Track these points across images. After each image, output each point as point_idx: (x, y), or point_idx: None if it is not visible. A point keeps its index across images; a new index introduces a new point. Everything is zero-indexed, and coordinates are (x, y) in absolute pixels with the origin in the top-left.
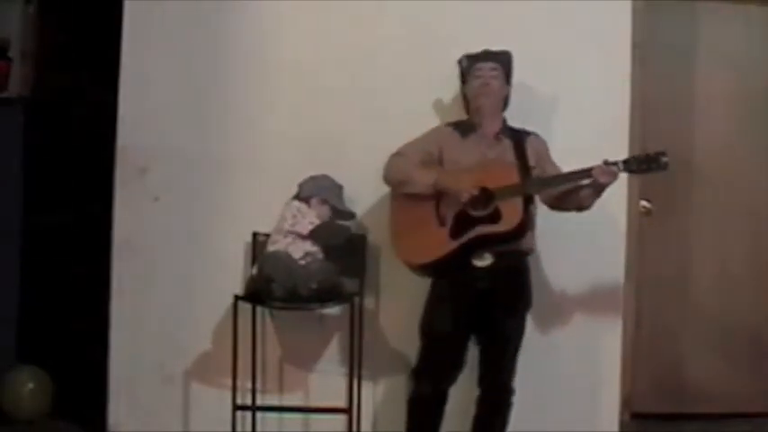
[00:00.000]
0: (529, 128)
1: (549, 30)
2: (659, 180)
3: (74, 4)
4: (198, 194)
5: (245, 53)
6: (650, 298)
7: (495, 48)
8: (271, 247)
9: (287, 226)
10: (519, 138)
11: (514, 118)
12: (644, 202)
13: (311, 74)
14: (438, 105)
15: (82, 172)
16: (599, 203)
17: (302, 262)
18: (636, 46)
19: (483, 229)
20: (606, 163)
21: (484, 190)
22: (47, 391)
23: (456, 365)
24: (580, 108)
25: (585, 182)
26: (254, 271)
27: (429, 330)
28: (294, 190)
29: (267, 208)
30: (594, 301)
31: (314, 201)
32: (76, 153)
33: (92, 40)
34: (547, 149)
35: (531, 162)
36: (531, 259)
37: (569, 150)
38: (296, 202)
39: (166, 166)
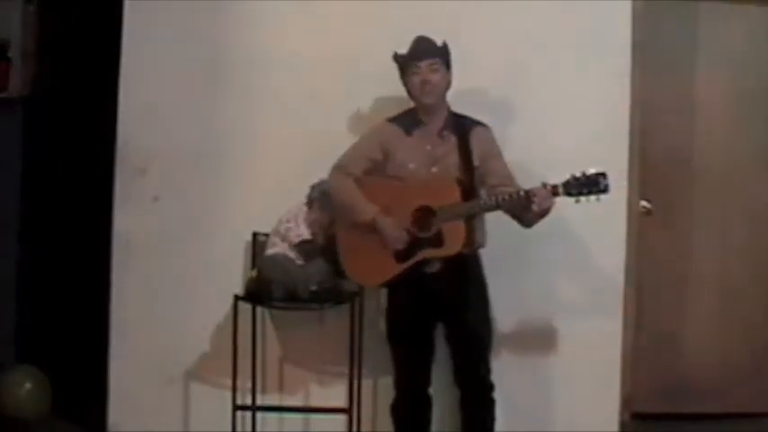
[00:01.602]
0: (528, 128)
1: (549, 30)
2: (659, 180)
3: (74, 4)
4: (198, 194)
5: (245, 53)
6: (650, 298)
7: (495, 47)
8: (269, 250)
9: (282, 230)
10: (463, 131)
11: (514, 118)
12: (644, 202)
13: (311, 74)
14: None
15: (82, 172)
16: (599, 204)
17: (299, 262)
18: (636, 46)
19: (426, 254)
20: (545, 185)
21: (425, 209)
22: (45, 391)
23: (427, 362)
24: (580, 108)
25: (526, 201)
26: (254, 273)
27: (393, 335)
28: (294, 190)
29: (267, 208)
30: (594, 301)
31: (315, 205)
32: (76, 153)
33: (92, 40)
34: (492, 142)
35: (476, 161)
36: (529, 259)
37: (569, 150)
38: (296, 207)
39: (166, 166)
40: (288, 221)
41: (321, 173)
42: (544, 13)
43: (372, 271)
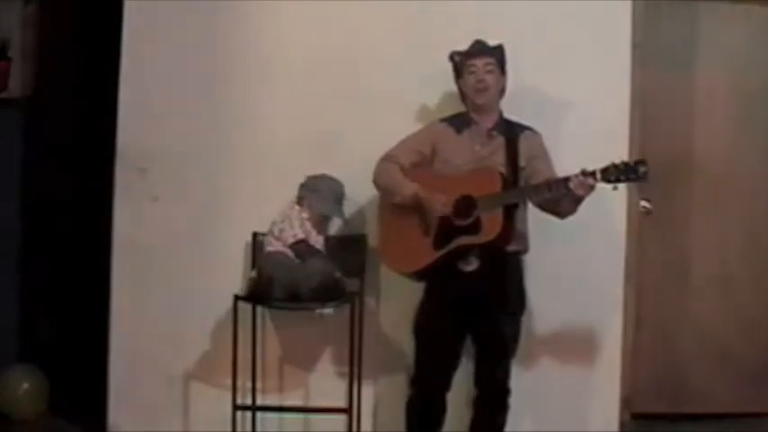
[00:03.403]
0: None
1: (549, 30)
2: (659, 180)
3: (74, 4)
4: (198, 195)
5: (245, 53)
6: (650, 298)
7: None
8: (268, 248)
9: (276, 231)
10: (513, 134)
11: (514, 118)
12: (644, 202)
13: (311, 73)
14: (436, 104)
15: (82, 172)
16: (599, 203)
17: (298, 261)
18: (636, 46)
19: (463, 240)
20: (584, 173)
21: (466, 198)
22: (42, 390)
23: (451, 368)
24: (580, 108)
25: (564, 188)
26: (254, 273)
27: (422, 335)
28: (294, 190)
29: (267, 208)
30: (594, 301)
31: (305, 203)
32: (76, 153)
33: (92, 40)
34: (541, 146)
35: (522, 162)
36: (529, 259)
37: (570, 150)
38: (288, 208)
39: (166, 166)
40: (282, 221)
41: (322, 172)
42: (543, 14)
43: (409, 257)
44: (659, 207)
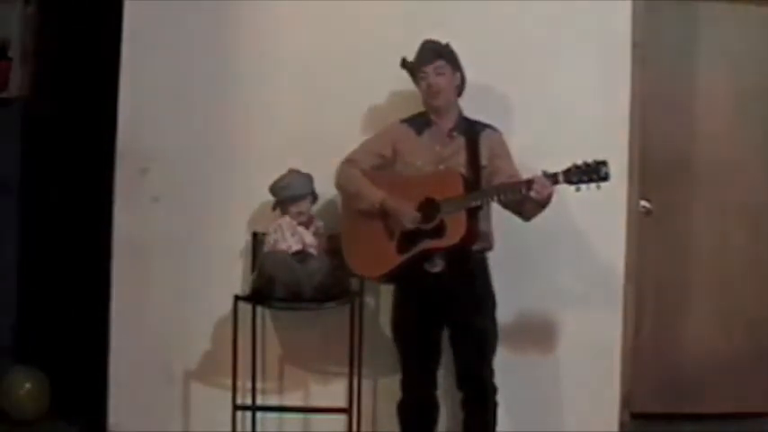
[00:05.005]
0: (528, 128)
1: (549, 30)
2: (659, 180)
3: (74, 4)
4: (198, 194)
5: (245, 53)
6: (650, 298)
7: (495, 47)
8: (267, 248)
9: (271, 241)
10: (473, 133)
11: (514, 118)
12: (644, 202)
13: (312, 74)
14: None
15: (82, 172)
16: (600, 203)
17: (299, 264)
18: (636, 46)
19: (427, 244)
20: (546, 174)
21: (429, 201)
22: (44, 391)
23: (434, 365)
24: (580, 108)
25: (526, 190)
26: (255, 274)
27: (399, 338)
28: None
29: (267, 208)
30: (594, 301)
31: (280, 207)
32: (76, 153)
33: (92, 40)
34: (502, 145)
35: (484, 161)
36: (529, 259)
37: (569, 151)
38: (280, 219)
39: (166, 167)
40: (274, 232)
41: (321, 173)
42: (544, 13)
43: (374, 263)
44: (659, 207)
